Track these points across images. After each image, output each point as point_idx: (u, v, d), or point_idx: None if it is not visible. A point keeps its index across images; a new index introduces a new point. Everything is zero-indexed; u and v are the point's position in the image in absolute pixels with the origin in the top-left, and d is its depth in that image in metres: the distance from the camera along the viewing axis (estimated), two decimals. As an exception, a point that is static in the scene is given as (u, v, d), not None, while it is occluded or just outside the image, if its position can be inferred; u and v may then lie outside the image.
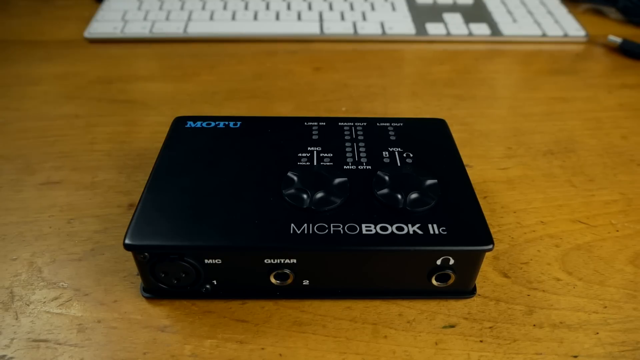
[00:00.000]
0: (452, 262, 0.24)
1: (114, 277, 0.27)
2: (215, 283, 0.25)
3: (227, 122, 0.31)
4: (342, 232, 0.23)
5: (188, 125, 0.30)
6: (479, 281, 0.27)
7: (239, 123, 0.31)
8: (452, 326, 0.25)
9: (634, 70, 0.48)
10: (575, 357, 0.23)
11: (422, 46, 0.52)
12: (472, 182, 0.27)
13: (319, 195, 0.25)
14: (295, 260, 0.24)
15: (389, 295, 0.26)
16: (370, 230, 0.23)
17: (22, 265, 0.27)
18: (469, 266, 0.24)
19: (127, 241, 0.23)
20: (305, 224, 0.24)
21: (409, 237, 0.23)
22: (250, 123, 0.31)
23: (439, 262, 0.24)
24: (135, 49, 0.50)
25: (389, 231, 0.23)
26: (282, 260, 0.24)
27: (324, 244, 0.23)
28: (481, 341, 0.24)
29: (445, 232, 0.23)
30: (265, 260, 0.24)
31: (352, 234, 0.23)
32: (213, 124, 0.31)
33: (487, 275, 0.27)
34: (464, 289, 0.25)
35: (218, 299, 0.26)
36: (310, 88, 0.44)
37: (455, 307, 0.26)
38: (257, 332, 0.24)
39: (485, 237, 0.23)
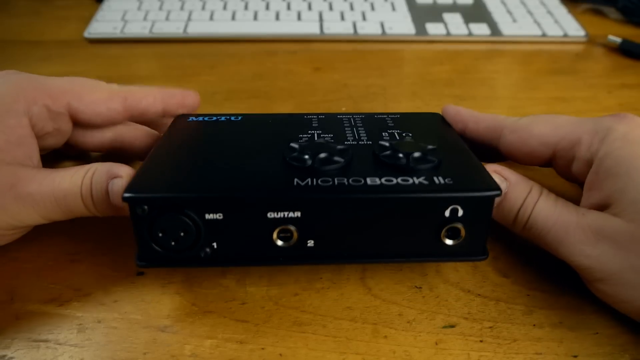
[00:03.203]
0: (460, 213, 0.23)
1: (114, 277, 0.27)
2: (215, 246, 0.24)
3: (229, 117, 0.32)
4: (346, 183, 0.23)
5: (190, 120, 0.31)
6: (478, 281, 0.27)
7: (240, 117, 0.32)
8: (452, 326, 0.25)
9: (633, 70, 0.48)
10: (575, 357, 0.23)
11: (422, 46, 0.52)
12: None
13: (322, 155, 0.24)
14: (299, 214, 0.23)
15: (399, 258, 0.25)
16: (376, 182, 0.23)
17: (23, 264, 0.27)
18: (479, 217, 0.23)
19: (125, 194, 0.22)
20: (309, 179, 0.23)
21: (414, 186, 0.23)
22: (252, 117, 0.32)
23: (447, 213, 0.23)
24: (135, 49, 0.50)
25: (394, 182, 0.23)
26: (286, 214, 0.23)
27: (329, 193, 0.22)
28: (481, 341, 0.24)
29: (451, 182, 0.23)
30: (269, 214, 0.23)
31: (357, 185, 0.23)
32: (215, 118, 0.31)
33: (487, 275, 0.27)
34: (475, 249, 0.24)
35: (217, 266, 0.25)
36: (310, 88, 0.44)
37: (455, 307, 0.26)
38: (257, 332, 0.24)
39: (491, 184, 0.23)
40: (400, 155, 0.24)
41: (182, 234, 0.23)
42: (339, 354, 0.23)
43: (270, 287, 0.26)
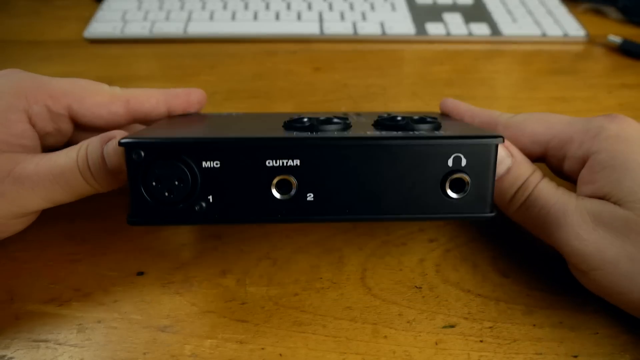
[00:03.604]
0: (464, 162, 0.23)
1: (114, 277, 0.27)
2: (210, 200, 0.23)
3: (229, 114, 0.33)
4: (347, 134, 0.23)
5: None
6: (478, 281, 0.27)
7: (240, 113, 0.33)
8: (452, 326, 0.25)
9: (634, 70, 0.48)
10: (576, 357, 0.23)
11: (422, 46, 0.52)
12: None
13: (322, 118, 0.24)
14: (298, 162, 0.22)
15: (403, 215, 0.24)
16: (376, 134, 0.23)
17: (23, 264, 0.27)
18: (483, 167, 0.23)
19: (122, 140, 0.22)
20: (309, 132, 0.23)
21: (415, 135, 0.23)
22: (252, 113, 0.34)
23: (450, 162, 0.23)
24: (135, 49, 0.50)
25: (395, 134, 0.23)
26: (285, 162, 0.22)
27: (328, 140, 0.22)
28: (481, 341, 0.24)
29: (452, 134, 0.23)
30: (267, 162, 0.22)
31: (357, 136, 0.23)
32: (216, 114, 0.33)
33: (487, 275, 0.27)
34: (482, 205, 0.24)
35: (212, 224, 0.24)
36: (310, 88, 0.44)
37: (455, 307, 0.26)
38: (257, 332, 0.24)
39: (493, 134, 0.23)
40: (399, 118, 0.24)
41: (177, 182, 0.22)
42: (339, 354, 0.23)
43: (270, 287, 0.26)
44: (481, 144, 0.23)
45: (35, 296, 0.26)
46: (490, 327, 0.25)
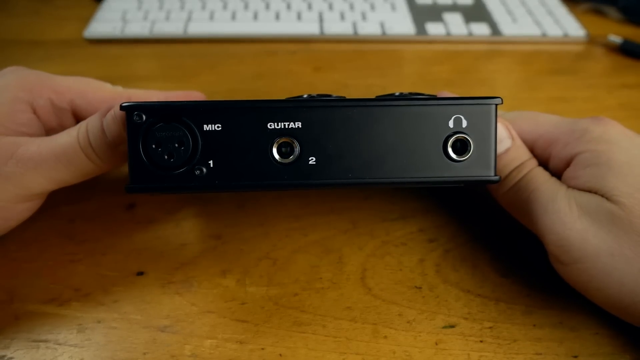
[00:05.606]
0: (465, 123, 0.23)
1: (114, 277, 0.27)
2: (211, 165, 0.23)
3: None
4: (348, 98, 0.23)
5: None
6: (478, 281, 0.27)
7: None
8: (452, 326, 0.25)
9: (634, 70, 0.48)
10: (576, 357, 0.23)
11: (422, 46, 0.52)
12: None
13: (320, 94, 0.25)
14: (300, 124, 0.22)
15: (406, 178, 0.23)
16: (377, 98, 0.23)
17: (23, 264, 0.27)
18: (484, 128, 0.23)
19: (123, 104, 0.22)
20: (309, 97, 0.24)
21: (415, 99, 0.23)
22: None
23: (451, 123, 0.23)
24: (135, 49, 0.50)
25: (395, 99, 0.23)
26: (286, 124, 0.22)
27: (330, 101, 0.23)
28: (481, 341, 0.24)
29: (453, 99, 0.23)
30: (269, 125, 0.22)
31: (359, 99, 0.23)
32: None
33: (487, 275, 0.27)
34: (485, 168, 0.23)
35: (212, 191, 0.23)
36: (310, 88, 0.44)
37: (455, 307, 0.26)
38: (257, 332, 0.24)
39: (491, 96, 0.23)
40: (397, 93, 0.25)
41: (177, 145, 0.22)
42: (339, 354, 0.23)
43: (270, 287, 0.26)
44: (481, 104, 0.23)
45: (35, 296, 0.26)
46: (490, 327, 0.25)
